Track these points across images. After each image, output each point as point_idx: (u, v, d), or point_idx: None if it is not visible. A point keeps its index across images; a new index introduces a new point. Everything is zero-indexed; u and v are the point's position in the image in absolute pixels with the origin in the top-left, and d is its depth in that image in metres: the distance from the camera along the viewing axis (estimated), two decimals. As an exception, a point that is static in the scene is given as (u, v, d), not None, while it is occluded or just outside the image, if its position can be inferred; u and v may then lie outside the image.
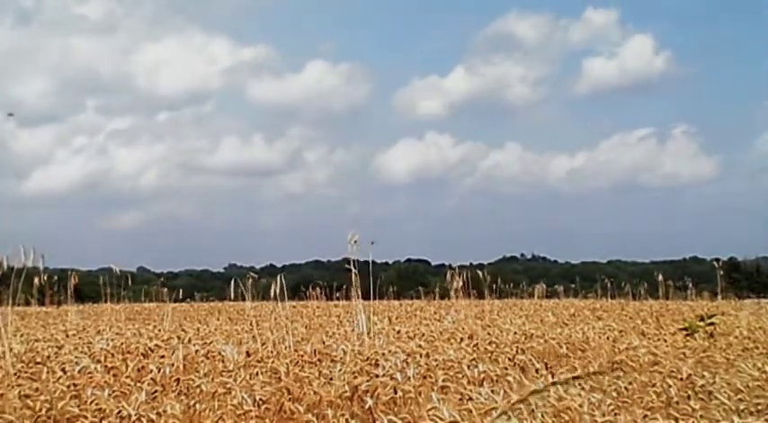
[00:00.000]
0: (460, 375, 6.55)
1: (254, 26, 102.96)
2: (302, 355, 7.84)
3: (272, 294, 10.14)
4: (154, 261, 64.75)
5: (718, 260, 25.84)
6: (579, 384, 6.04)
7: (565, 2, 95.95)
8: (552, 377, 6.43)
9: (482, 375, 6.56)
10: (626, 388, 5.99)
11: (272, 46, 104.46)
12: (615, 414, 5.11)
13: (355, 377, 6.33)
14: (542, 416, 4.76)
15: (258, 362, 7.44)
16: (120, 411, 5.12)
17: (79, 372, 6.72)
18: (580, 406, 5.00)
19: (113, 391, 5.86)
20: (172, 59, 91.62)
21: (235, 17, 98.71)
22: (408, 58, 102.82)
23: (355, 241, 9.89)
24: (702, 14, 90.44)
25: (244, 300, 13.12)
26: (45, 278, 24.12)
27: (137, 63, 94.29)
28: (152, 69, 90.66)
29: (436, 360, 7.32)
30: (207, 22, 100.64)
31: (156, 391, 6.06)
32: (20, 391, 5.84)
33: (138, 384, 6.23)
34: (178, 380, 6.41)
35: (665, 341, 9.54)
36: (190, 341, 9.62)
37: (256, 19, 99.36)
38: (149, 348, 8.56)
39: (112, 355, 8.10)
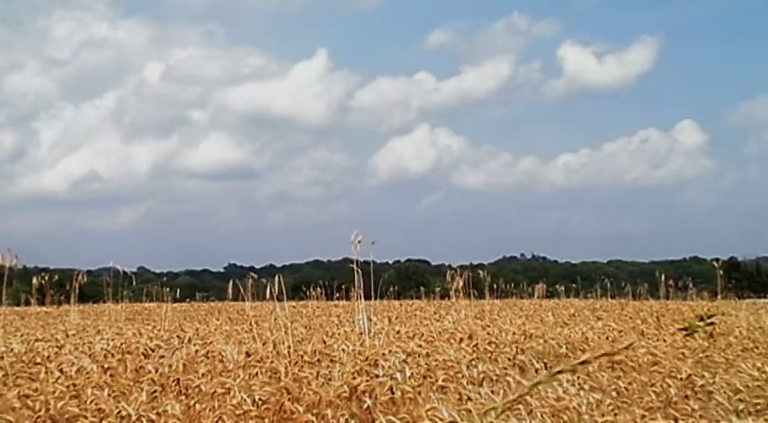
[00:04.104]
0: (460, 375, 6.55)
1: (252, 31, 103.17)
2: (302, 356, 7.83)
3: (267, 295, 10.12)
4: (154, 261, 64.87)
5: (718, 260, 25.81)
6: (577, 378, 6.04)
7: (558, 5, 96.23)
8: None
9: (482, 375, 6.56)
10: (625, 388, 5.99)
11: (267, 50, 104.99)
12: (614, 414, 5.11)
13: (354, 377, 6.33)
14: (541, 416, 4.76)
15: (258, 362, 7.44)
16: (119, 411, 5.12)
17: (78, 372, 6.72)
18: (579, 406, 5.00)
19: (113, 392, 5.86)
20: (170, 62, 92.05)
21: (229, 21, 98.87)
22: (406, 57, 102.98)
23: (359, 241, 9.88)
24: (701, 15, 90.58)
25: (244, 300, 13.11)
26: (46, 278, 24.20)
27: (139, 67, 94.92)
28: (151, 71, 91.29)
29: (436, 360, 7.32)
30: (205, 28, 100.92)
31: (155, 391, 6.06)
32: (19, 391, 5.84)
33: (138, 384, 6.23)
34: (178, 380, 6.41)
35: (665, 341, 9.53)
36: (190, 341, 9.62)
37: (253, 24, 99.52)
38: (149, 348, 8.56)
39: (112, 355, 8.09)
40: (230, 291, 11.75)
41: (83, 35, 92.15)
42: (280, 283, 9.89)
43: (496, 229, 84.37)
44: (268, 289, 9.96)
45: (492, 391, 5.55)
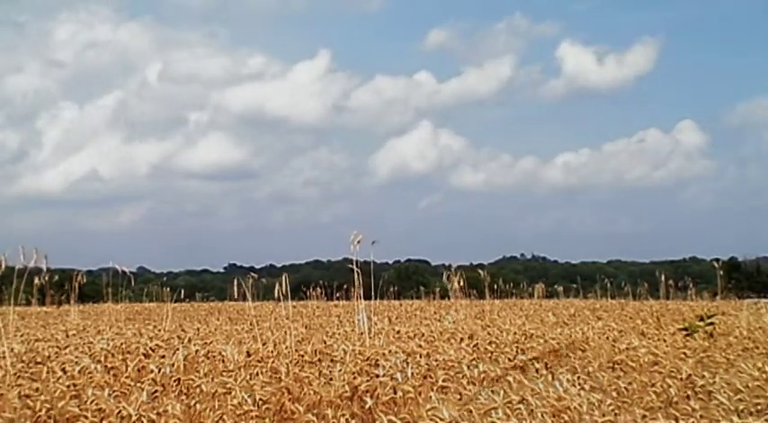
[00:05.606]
0: (460, 375, 6.55)
1: (254, 32, 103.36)
2: (302, 355, 7.84)
3: (275, 294, 10.10)
4: (154, 261, 64.84)
5: (718, 260, 25.79)
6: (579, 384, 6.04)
7: (559, 6, 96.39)
8: (552, 378, 6.43)
9: (482, 375, 6.56)
10: (626, 388, 6.00)
11: (269, 50, 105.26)
12: (615, 414, 5.11)
13: (355, 377, 6.33)
14: (542, 416, 4.76)
15: (258, 362, 7.44)
16: (120, 411, 5.12)
17: (79, 372, 6.72)
18: (579, 406, 5.00)
19: (114, 392, 5.86)
20: (171, 63, 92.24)
21: (231, 22, 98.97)
22: (406, 57, 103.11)
23: (359, 241, 9.88)
24: (701, 15, 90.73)
25: (245, 300, 13.11)
26: (47, 278, 24.16)
27: (141, 68, 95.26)
28: (153, 72, 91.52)
29: (436, 360, 7.33)
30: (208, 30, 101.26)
31: (156, 391, 6.06)
32: (20, 391, 5.84)
33: (139, 384, 6.23)
34: (178, 380, 6.41)
35: (665, 341, 9.53)
36: (190, 341, 9.62)
37: (255, 26, 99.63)
38: (150, 348, 8.56)
39: (113, 355, 8.09)
40: (235, 290, 11.76)
41: (86, 37, 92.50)
42: (286, 283, 9.87)
43: (496, 229, 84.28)
44: (276, 289, 9.92)
45: (492, 391, 5.54)
